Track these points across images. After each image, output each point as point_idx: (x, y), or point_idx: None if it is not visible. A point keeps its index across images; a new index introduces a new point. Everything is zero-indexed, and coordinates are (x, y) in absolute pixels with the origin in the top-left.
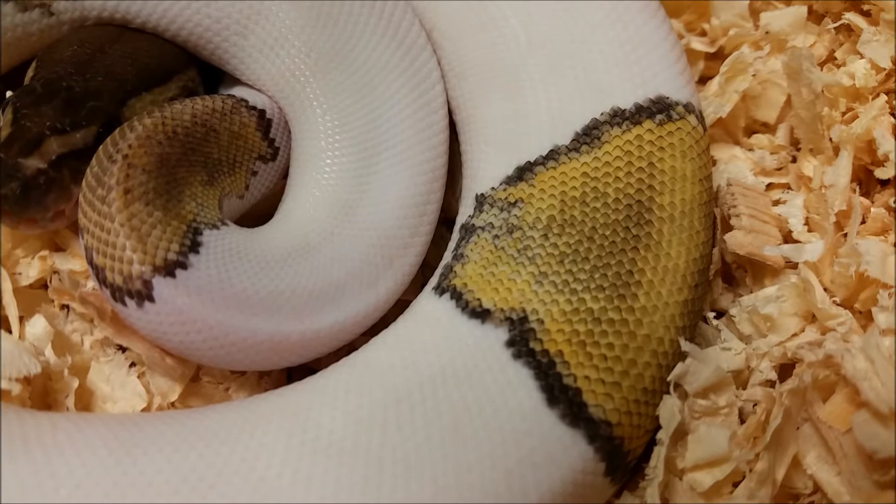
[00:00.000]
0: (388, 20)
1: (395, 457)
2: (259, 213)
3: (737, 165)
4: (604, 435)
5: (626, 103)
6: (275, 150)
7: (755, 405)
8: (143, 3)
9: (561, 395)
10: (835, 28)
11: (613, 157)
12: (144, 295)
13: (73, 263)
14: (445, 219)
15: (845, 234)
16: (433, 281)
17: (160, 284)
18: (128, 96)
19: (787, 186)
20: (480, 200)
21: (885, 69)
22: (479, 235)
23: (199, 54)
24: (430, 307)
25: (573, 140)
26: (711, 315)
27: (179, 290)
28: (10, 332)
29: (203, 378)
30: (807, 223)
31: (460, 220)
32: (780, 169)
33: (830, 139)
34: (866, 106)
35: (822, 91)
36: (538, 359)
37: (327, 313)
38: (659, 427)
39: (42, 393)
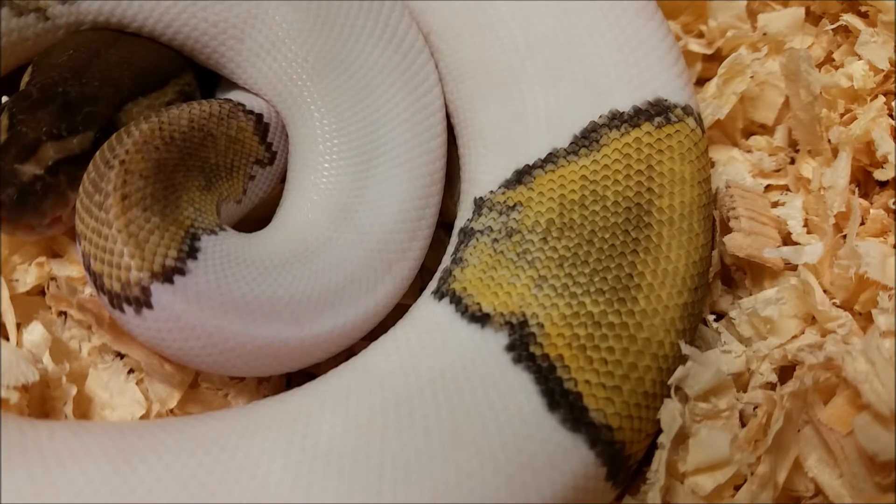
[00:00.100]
0: (386, 23)
1: (396, 462)
2: (256, 218)
3: (735, 167)
4: (605, 439)
5: (625, 106)
6: (272, 154)
7: (756, 408)
8: (140, 7)
9: (561, 399)
10: (832, 29)
11: (612, 160)
12: (142, 301)
13: (70, 270)
14: (443, 222)
15: (844, 236)
16: (432, 285)
17: (158, 291)
18: (124, 101)
19: (786, 188)
20: (479, 204)
21: (883, 70)
22: (478, 239)
23: (195, 58)
24: (430, 312)
25: (572, 143)
26: (711, 318)
27: (178, 297)
28: (8, 339)
29: (202, 384)
30: (806, 225)
31: (459, 223)
32: (778, 170)
33: (829, 141)
34: (865, 107)
35: (821, 93)
36: (538, 363)
37: (326, 318)
38: (660, 430)
39: (40, 400)
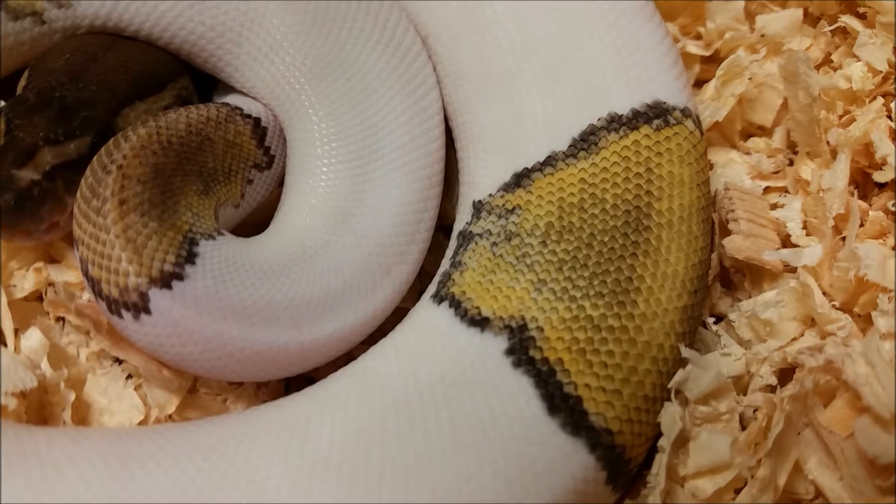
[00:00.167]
0: (383, 26)
1: (395, 467)
2: (254, 222)
3: (733, 169)
4: (605, 443)
5: (623, 108)
6: (270, 158)
7: (755, 411)
8: (136, 10)
9: (562, 403)
10: (831, 31)
11: (611, 163)
12: (141, 307)
13: (68, 275)
14: (442, 225)
15: (843, 238)
16: (431, 289)
17: (156, 296)
18: (121, 105)
19: (785, 190)
20: (478, 207)
21: (881, 72)
22: (476, 243)
23: (192, 62)
24: (429, 316)
25: (570, 146)
26: (711, 320)
27: (176, 302)
28: (6, 345)
29: (200, 389)
30: (805, 227)
31: (458, 227)
32: (776, 172)
33: (828, 142)
34: (863, 109)
35: (819, 94)
36: (538, 367)
37: (325, 323)
38: (660, 434)
39: (38, 406)
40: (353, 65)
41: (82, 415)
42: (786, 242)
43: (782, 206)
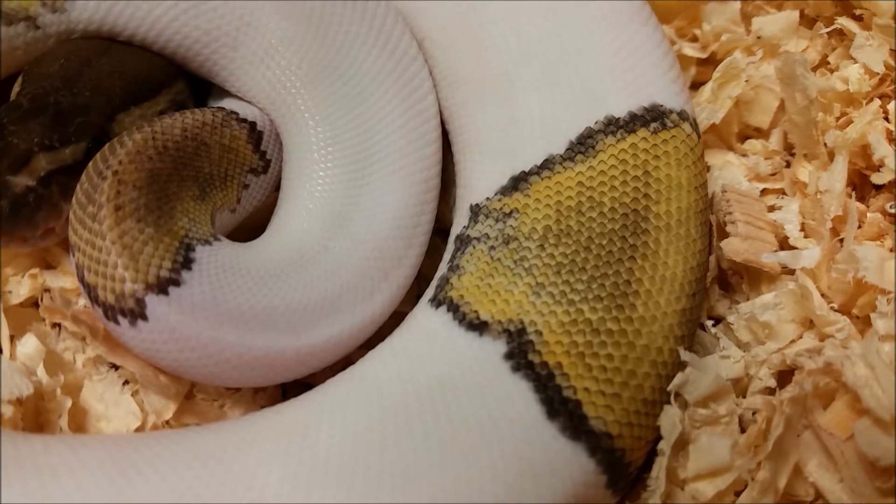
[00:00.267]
0: (379, 30)
1: (395, 472)
2: (251, 226)
3: (731, 171)
4: (605, 447)
5: (620, 111)
6: (266, 162)
7: (755, 413)
8: (131, 15)
9: (561, 407)
10: (827, 33)
11: (608, 166)
12: (137, 313)
13: (63, 281)
14: (439, 229)
15: (841, 240)
16: (429, 293)
17: (153, 302)
18: (116, 111)
19: (782, 192)
20: (475, 211)
21: (878, 74)
22: (474, 246)
23: (187, 66)
24: (427, 320)
25: (567, 149)
26: (709, 323)
27: (173, 308)
28: (1, 351)
29: (197, 395)
30: (802, 229)
31: (455, 230)
32: (774, 174)
33: (825, 144)
34: (860, 111)
35: (817, 96)
36: (537, 371)
37: (323, 328)
38: (659, 437)
39: (34, 413)
40: (349, 69)
41: (79, 421)
42: (783, 244)
43: (780, 208)
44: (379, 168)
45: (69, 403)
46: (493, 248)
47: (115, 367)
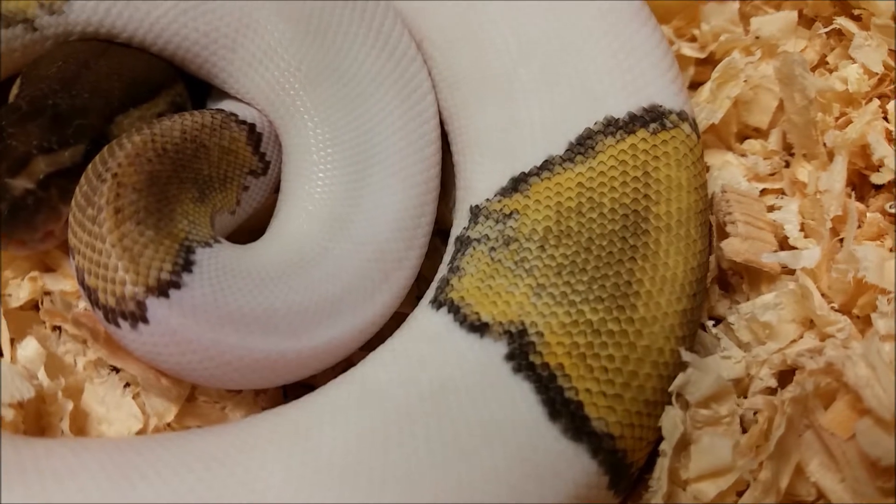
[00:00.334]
0: (378, 31)
1: (397, 474)
2: (250, 228)
3: (730, 171)
4: (607, 448)
5: (620, 112)
6: (265, 164)
7: (756, 413)
8: (130, 17)
9: (563, 408)
10: (825, 33)
11: (608, 167)
12: (138, 316)
13: (63, 284)
14: (439, 230)
15: (841, 240)
16: (430, 294)
17: (154, 305)
18: (115, 113)
19: (781, 192)
20: (475, 212)
21: (877, 74)
22: (475, 248)
23: (186, 68)
24: (428, 321)
25: (567, 150)
26: (710, 323)
27: (173, 311)
28: (2, 355)
29: (199, 397)
30: (802, 229)
31: (455, 231)
32: (773, 174)
33: (824, 144)
34: (860, 111)
35: (816, 96)
36: (538, 372)
37: (323, 330)
38: (660, 438)
39: (35, 416)
40: (349, 70)
41: (80, 424)
42: (783, 244)
43: (779, 208)
44: (379, 170)
45: (70, 406)
46: (493, 249)
47: (116, 370)
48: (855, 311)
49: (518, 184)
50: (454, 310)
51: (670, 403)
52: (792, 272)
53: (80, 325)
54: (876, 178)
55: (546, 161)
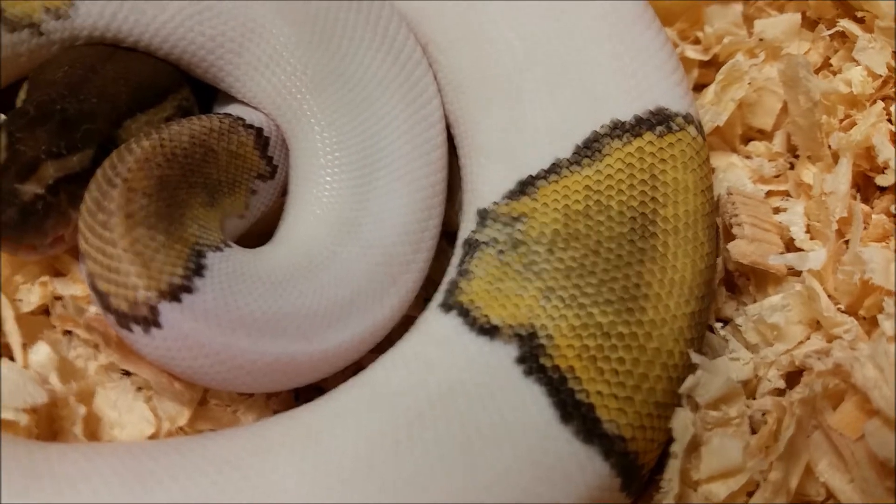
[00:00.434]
0: (384, 35)
1: (408, 477)
2: (258, 232)
3: (735, 173)
4: (619, 450)
5: (626, 115)
6: (273, 167)
7: (764, 414)
8: (136, 21)
9: (574, 411)
10: (829, 35)
11: (615, 170)
12: (151, 321)
13: (73, 289)
14: (445, 232)
15: (846, 241)
16: (438, 297)
17: (166, 310)
18: (123, 117)
19: (786, 193)
20: (483, 215)
21: (881, 76)
22: (483, 251)
23: (192, 72)
24: (438, 324)
25: (574, 153)
26: (718, 325)
27: (186, 315)
28: (13, 360)
29: (211, 401)
30: (808, 230)
31: (462, 234)
32: (777, 176)
33: (829, 146)
34: (864, 113)
35: (820, 99)
36: (549, 375)
37: (333, 333)
38: (670, 439)
39: (48, 421)
40: (354, 74)
41: (92, 428)
42: (789, 246)
43: (784, 210)
44: (385, 173)
45: (83, 411)
46: (501, 252)
47: (128, 374)
48: (861, 312)
49: (525, 187)
50: (464, 313)
51: (680, 405)
52: (798, 274)
53: (92, 329)
54: (881, 180)
55: (553, 164)
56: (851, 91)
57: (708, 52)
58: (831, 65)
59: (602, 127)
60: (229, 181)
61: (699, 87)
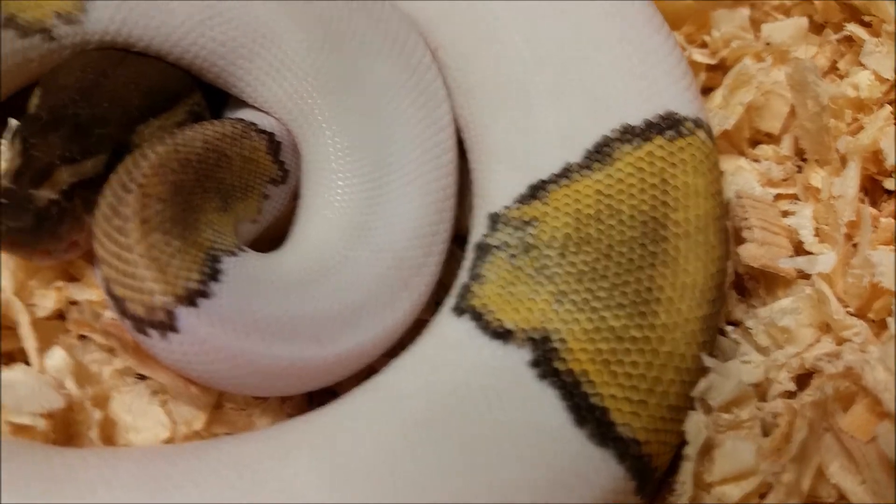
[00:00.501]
0: (394, 40)
1: (422, 481)
2: (269, 236)
3: (743, 177)
4: (633, 454)
5: (636, 120)
6: (285, 172)
7: (776, 416)
8: (147, 26)
9: (588, 414)
10: (836, 39)
11: (626, 174)
12: (168, 325)
13: (88, 293)
14: (456, 235)
15: (855, 245)
16: (450, 301)
17: (183, 314)
18: (135, 122)
19: (794, 197)
20: (494, 219)
21: (888, 80)
22: (494, 255)
23: (203, 77)
24: (450, 328)
25: (585, 157)
26: (729, 329)
27: (202, 320)
28: (29, 364)
29: (226, 405)
30: (817, 234)
31: (473, 238)
32: (786, 180)
33: (837, 150)
34: (871, 117)
35: (828, 102)
36: (563, 378)
37: (346, 337)
38: (683, 442)
39: (64, 425)
40: (365, 78)
41: (108, 433)
42: (798, 249)
43: (793, 213)
44: (396, 178)
45: (99, 415)
46: (513, 256)
47: (143, 378)
48: (870, 315)
49: (536, 191)
50: (476, 317)
51: (692, 408)
52: (807, 277)
53: (109, 334)
54: (889, 184)
55: (564, 168)
56: (859, 95)
57: (715, 55)
58: (838, 69)
59: (612, 131)
60: (242, 186)
61: (706, 91)
